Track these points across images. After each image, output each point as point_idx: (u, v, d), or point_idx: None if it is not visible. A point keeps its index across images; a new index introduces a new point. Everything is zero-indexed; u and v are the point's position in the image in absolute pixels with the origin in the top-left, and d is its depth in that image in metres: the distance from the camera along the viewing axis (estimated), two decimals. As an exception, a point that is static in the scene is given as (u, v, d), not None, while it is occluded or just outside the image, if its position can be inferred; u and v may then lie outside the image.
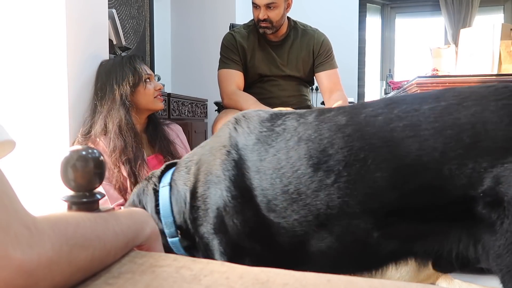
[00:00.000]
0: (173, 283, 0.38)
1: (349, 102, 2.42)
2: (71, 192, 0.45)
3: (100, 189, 1.07)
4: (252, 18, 2.07)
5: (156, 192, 0.90)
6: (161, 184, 0.90)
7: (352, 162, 0.67)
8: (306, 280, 0.39)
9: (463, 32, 2.03)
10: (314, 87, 2.36)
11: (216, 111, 2.31)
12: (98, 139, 1.40)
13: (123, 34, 2.18)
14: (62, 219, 0.37)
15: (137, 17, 3.08)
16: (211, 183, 0.80)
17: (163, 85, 1.63)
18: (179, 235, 0.86)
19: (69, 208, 0.45)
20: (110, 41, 1.82)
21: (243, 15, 3.22)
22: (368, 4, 4.38)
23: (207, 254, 0.82)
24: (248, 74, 2.01)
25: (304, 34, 2.03)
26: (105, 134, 1.42)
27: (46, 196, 1.41)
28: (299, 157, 0.72)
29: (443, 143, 0.61)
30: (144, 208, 0.89)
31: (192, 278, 0.39)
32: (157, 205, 0.87)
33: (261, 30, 1.94)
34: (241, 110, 1.84)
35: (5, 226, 0.30)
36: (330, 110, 0.76)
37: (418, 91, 1.73)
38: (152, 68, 3.26)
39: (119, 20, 2.10)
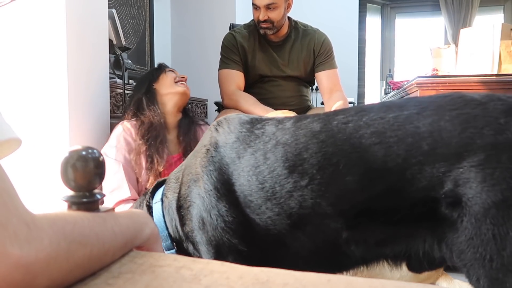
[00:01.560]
0: (173, 283, 0.38)
1: (349, 103, 2.42)
2: (71, 192, 0.45)
3: (118, 170, 1.05)
4: (252, 18, 2.07)
5: (149, 208, 0.96)
6: (154, 200, 0.96)
7: (325, 166, 0.72)
8: (306, 280, 0.39)
9: (463, 32, 2.03)
10: (314, 87, 2.36)
11: (216, 111, 2.31)
12: (128, 125, 1.52)
13: (123, 34, 2.18)
14: (61, 217, 0.37)
15: (137, 17, 3.08)
16: (191, 181, 0.86)
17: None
18: (175, 247, 0.90)
19: (69, 208, 0.45)
20: (110, 41, 1.82)
21: (243, 15, 3.22)
22: (368, 4, 4.38)
23: (198, 255, 0.86)
24: (249, 75, 2.01)
25: (305, 34, 2.03)
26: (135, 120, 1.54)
27: (46, 196, 1.41)
28: (276, 159, 0.77)
29: (405, 150, 0.67)
30: None
31: (192, 278, 0.39)
32: None
33: (261, 31, 1.94)
34: (241, 110, 1.85)
35: (4, 222, 0.30)
36: (306, 117, 0.82)
37: (418, 91, 1.73)
38: (152, 68, 3.26)
39: (119, 20, 2.10)
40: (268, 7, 1.86)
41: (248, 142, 0.82)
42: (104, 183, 1.41)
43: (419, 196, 0.66)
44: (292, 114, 1.60)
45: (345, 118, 0.75)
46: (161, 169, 1.48)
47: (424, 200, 0.66)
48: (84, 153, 0.45)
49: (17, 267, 0.30)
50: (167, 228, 0.91)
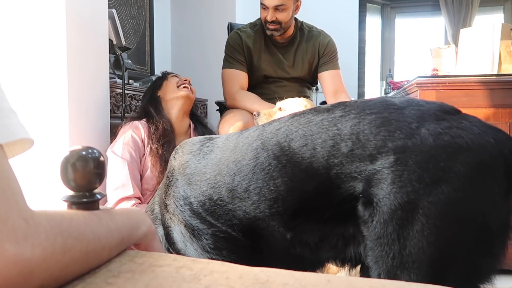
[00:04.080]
0: (173, 283, 0.38)
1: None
2: (71, 192, 0.45)
3: (123, 168, 1.34)
4: (256, 18, 2.07)
5: None
6: None
7: (259, 171, 0.77)
8: (306, 280, 0.39)
9: (463, 32, 2.03)
10: (314, 88, 2.36)
11: (217, 111, 2.30)
12: (139, 125, 1.58)
13: (123, 34, 2.18)
14: (58, 213, 0.38)
15: (137, 17, 3.08)
16: (162, 210, 0.94)
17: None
18: None
19: (69, 208, 0.45)
20: (110, 41, 1.82)
21: (243, 15, 3.22)
22: (368, 4, 4.38)
23: None
24: (253, 75, 2.01)
25: (310, 36, 2.03)
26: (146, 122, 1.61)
27: (46, 196, 1.41)
28: (220, 171, 0.83)
29: (328, 151, 0.70)
30: None
31: (192, 277, 0.39)
32: None
33: (268, 32, 1.93)
34: (244, 109, 1.85)
35: (4, 218, 0.31)
36: (248, 129, 0.88)
37: (418, 91, 1.73)
38: (152, 68, 3.26)
39: (119, 20, 2.10)
40: (277, 8, 1.85)
41: (198, 159, 0.89)
42: (108, 180, 1.43)
43: (343, 195, 0.70)
44: (311, 103, 1.60)
45: (278, 125, 0.80)
46: None
47: (347, 199, 0.70)
48: (84, 153, 0.45)
49: (14, 263, 0.30)
50: None
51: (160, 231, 0.94)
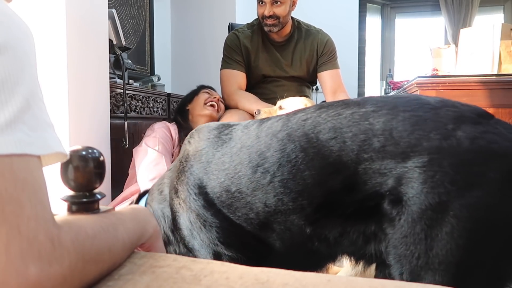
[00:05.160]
0: (173, 284, 0.38)
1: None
2: (71, 192, 0.45)
3: (160, 162, 1.47)
4: (255, 18, 2.07)
5: None
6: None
7: (285, 163, 0.75)
8: (306, 280, 0.39)
9: (463, 32, 2.03)
10: (314, 87, 2.36)
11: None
12: (171, 126, 1.69)
13: (123, 34, 2.18)
14: (83, 230, 0.37)
15: (137, 17, 3.08)
16: (172, 194, 0.91)
17: (163, 85, 1.82)
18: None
19: (69, 208, 0.44)
20: (110, 41, 1.82)
21: (243, 15, 3.22)
22: (368, 4, 4.38)
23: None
24: (252, 75, 2.01)
25: (308, 34, 2.02)
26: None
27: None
28: (241, 161, 0.81)
29: (358, 145, 0.69)
30: None
31: (192, 278, 0.39)
32: None
33: (266, 28, 1.93)
34: (242, 109, 1.85)
35: (31, 237, 0.31)
36: (269, 118, 0.86)
37: (418, 91, 1.73)
38: (152, 68, 3.26)
39: (119, 20, 2.10)
40: (274, 1, 1.85)
41: (216, 147, 0.87)
42: (144, 172, 1.48)
43: (369, 191, 0.69)
44: (311, 102, 1.61)
45: (304, 115, 0.78)
46: None
47: (372, 196, 0.69)
48: (84, 153, 0.45)
49: (34, 286, 0.30)
50: None
51: (167, 212, 0.93)
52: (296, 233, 0.77)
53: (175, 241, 0.91)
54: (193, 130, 0.99)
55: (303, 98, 1.64)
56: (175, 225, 0.90)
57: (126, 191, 1.55)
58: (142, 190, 1.45)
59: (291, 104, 1.60)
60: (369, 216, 0.72)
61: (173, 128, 1.69)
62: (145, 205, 0.99)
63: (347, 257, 0.80)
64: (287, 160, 0.75)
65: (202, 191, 0.84)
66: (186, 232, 0.86)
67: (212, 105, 1.79)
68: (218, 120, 1.82)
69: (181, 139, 1.63)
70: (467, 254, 0.63)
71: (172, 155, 1.62)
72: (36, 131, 0.36)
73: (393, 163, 0.67)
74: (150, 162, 1.50)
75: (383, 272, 0.72)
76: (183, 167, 0.90)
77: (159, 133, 1.60)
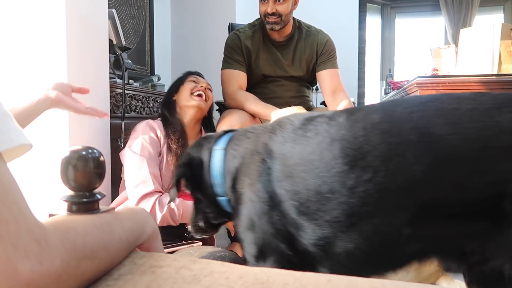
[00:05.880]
0: (173, 284, 0.38)
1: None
2: (71, 192, 0.45)
3: (142, 165, 1.35)
4: (255, 18, 2.07)
5: (210, 152, 0.98)
6: (216, 147, 0.98)
7: (390, 157, 0.69)
8: (306, 280, 0.39)
9: (463, 32, 2.03)
10: (314, 87, 2.36)
11: (217, 111, 2.30)
12: (155, 124, 1.58)
13: (123, 34, 2.18)
14: (72, 229, 0.36)
15: (137, 17, 3.08)
16: (246, 182, 0.86)
17: (163, 85, 1.76)
18: (227, 196, 0.95)
19: (69, 208, 0.44)
20: (110, 41, 1.82)
21: (243, 15, 3.22)
22: (368, 4, 4.38)
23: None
24: (252, 75, 2.01)
25: (308, 35, 2.03)
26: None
27: (46, 196, 1.41)
28: (333, 156, 0.73)
29: (483, 142, 0.65)
30: (198, 159, 0.99)
31: (192, 278, 0.39)
32: (209, 164, 0.97)
33: (268, 26, 1.92)
34: (242, 109, 1.85)
35: (14, 240, 0.29)
36: (359, 109, 0.80)
37: (418, 91, 1.73)
38: (152, 68, 3.26)
39: (119, 20, 2.10)
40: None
41: (303, 147, 0.79)
42: (128, 178, 1.45)
43: (486, 190, 0.65)
44: (302, 109, 1.60)
45: (408, 109, 0.72)
46: None
47: (490, 195, 0.65)
48: (84, 153, 0.45)
49: (27, 285, 0.29)
50: (223, 178, 0.94)
51: (232, 162, 0.92)
52: (390, 235, 0.71)
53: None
54: (275, 124, 0.91)
55: (295, 108, 1.64)
56: (235, 208, 0.89)
57: (119, 197, 1.53)
58: (130, 197, 1.43)
59: (285, 114, 1.60)
60: (479, 216, 0.67)
61: (157, 125, 1.58)
62: (226, 146, 0.96)
63: (439, 257, 0.77)
64: (393, 154, 0.69)
65: (282, 199, 0.78)
66: (244, 223, 0.85)
67: (199, 95, 1.65)
68: (208, 110, 1.73)
69: (168, 135, 1.54)
70: None
71: (160, 154, 1.54)
72: None
73: None
74: (132, 167, 1.46)
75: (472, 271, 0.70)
76: (267, 167, 0.83)
77: (143, 136, 1.51)
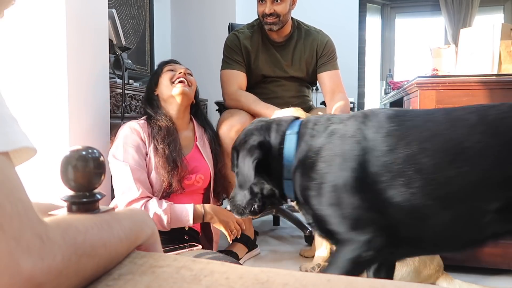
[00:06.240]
0: (173, 284, 0.38)
1: (350, 103, 2.41)
2: (71, 192, 0.45)
3: (125, 172, 1.29)
4: (255, 18, 2.07)
5: (283, 135, 1.03)
6: (289, 131, 1.04)
7: (487, 154, 0.82)
8: (306, 280, 0.39)
9: (463, 32, 2.03)
10: (314, 88, 2.36)
11: (217, 111, 2.31)
12: (137, 125, 1.53)
13: (123, 34, 2.18)
14: (72, 226, 0.37)
15: (137, 17, 3.08)
16: (335, 160, 0.92)
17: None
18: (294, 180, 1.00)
19: (69, 208, 0.44)
20: (110, 41, 1.82)
21: (243, 15, 3.22)
22: (368, 4, 4.38)
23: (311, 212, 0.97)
24: (252, 75, 2.01)
25: (307, 35, 2.02)
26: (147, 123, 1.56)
27: (46, 196, 1.41)
28: (435, 148, 0.84)
29: None
30: (268, 142, 1.04)
31: (192, 278, 0.39)
32: (281, 147, 1.02)
33: (267, 27, 1.92)
34: (242, 109, 1.85)
35: (17, 235, 0.30)
36: (455, 109, 0.91)
37: (418, 91, 1.73)
38: (152, 68, 3.25)
39: (119, 20, 2.10)
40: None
41: (399, 136, 0.89)
42: (114, 185, 1.43)
43: None
44: (301, 111, 1.60)
45: (500, 114, 0.85)
46: (183, 174, 1.51)
47: None
48: (84, 153, 0.45)
49: (28, 283, 0.30)
50: (294, 161, 0.99)
51: (307, 145, 0.98)
52: (478, 216, 0.84)
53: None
54: (369, 112, 0.98)
55: (293, 109, 1.64)
56: (303, 194, 0.97)
57: (113, 202, 1.51)
58: (118, 205, 1.41)
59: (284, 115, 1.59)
60: None
61: (139, 126, 1.51)
62: (298, 130, 1.03)
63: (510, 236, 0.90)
64: (490, 153, 0.82)
65: (377, 179, 0.88)
66: (327, 200, 0.92)
67: (181, 82, 1.55)
68: (194, 97, 1.63)
69: (153, 136, 1.49)
70: None
71: (147, 154, 1.49)
72: None
73: None
74: (117, 175, 1.44)
75: None
76: (363, 148, 0.90)
77: (125, 140, 1.47)
